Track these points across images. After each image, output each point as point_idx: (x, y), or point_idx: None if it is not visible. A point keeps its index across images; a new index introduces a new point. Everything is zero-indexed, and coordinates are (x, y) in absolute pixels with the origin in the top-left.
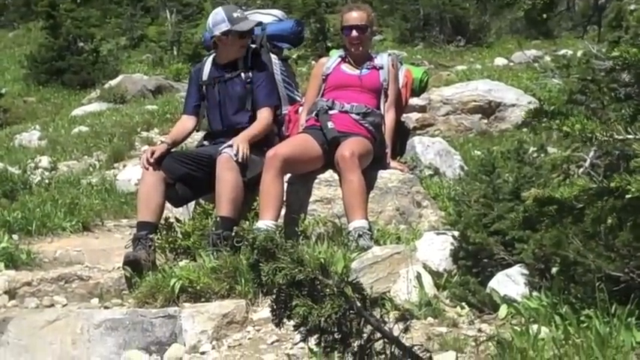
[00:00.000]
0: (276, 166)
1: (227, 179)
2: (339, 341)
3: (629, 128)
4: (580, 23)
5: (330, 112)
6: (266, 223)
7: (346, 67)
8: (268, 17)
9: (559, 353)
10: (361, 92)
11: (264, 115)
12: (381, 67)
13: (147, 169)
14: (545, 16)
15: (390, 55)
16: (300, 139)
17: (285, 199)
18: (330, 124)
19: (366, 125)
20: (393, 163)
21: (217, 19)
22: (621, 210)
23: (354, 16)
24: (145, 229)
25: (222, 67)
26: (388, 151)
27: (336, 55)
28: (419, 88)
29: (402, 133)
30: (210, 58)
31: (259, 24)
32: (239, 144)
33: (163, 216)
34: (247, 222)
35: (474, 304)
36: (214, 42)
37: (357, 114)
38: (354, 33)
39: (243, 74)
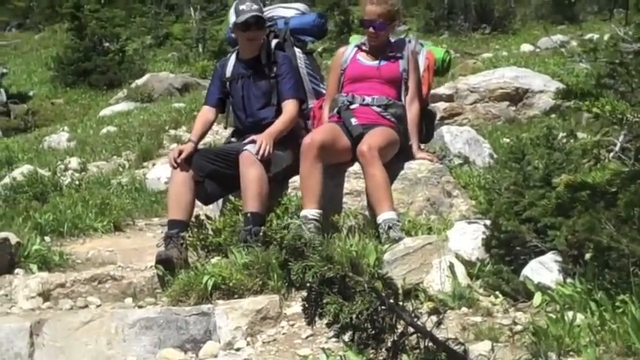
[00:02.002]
0: (313, 153)
1: (251, 176)
2: (372, 337)
3: None
4: (606, 7)
5: (352, 106)
6: (309, 212)
7: (363, 58)
8: (291, 11)
9: (595, 339)
10: (380, 83)
11: (289, 108)
12: (401, 57)
13: (175, 168)
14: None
15: (409, 41)
16: (330, 126)
17: None
18: (353, 121)
19: (389, 117)
20: (420, 154)
21: (230, 12)
22: None
23: (373, 11)
24: (176, 228)
25: (245, 62)
26: (414, 144)
27: (353, 43)
28: (442, 68)
29: (428, 118)
30: (234, 54)
31: (256, 17)
32: (262, 140)
33: (193, 213)
34: (277, 217)
35: (508, 293)
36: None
37: (379, 106)
38: (371, 29)
39: (267, 69)
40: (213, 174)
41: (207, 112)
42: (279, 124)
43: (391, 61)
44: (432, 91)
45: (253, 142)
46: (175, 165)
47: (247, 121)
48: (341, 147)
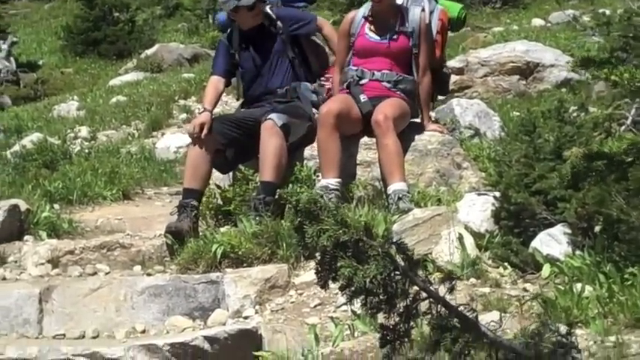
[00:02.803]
0: (331, 123)
1: (271, 145)
2: (384, 302)
3: None
4: None
5: (361, 82)
6: (329, 181)
7: (371, 32)
8: None
9: (603, 311)
10: (390, 58)
11: (326, 28)
12: (411, 32)
13: (195, 144)
14: None
15: (422, 10)
16: (344, 97)
17: None
18: (362, 97)
19: (398, 93)
20: (431, 126)
21: (223, 0)
22: None
23: None
24: (191, 197)
25: (249, 31)
26: (425, 116)
27: (360, 13)
28: (456, 25)
29: (442, 80)
30: (237, 28)
31: None
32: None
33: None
34: (287, 186)
35: (517, 264)
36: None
37: (388, 82)
38: None
39: (272, 28)
40: (234, 142)
41: (217, 82)
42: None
43: (400, 37)
44: None
45: (275, 110)
46: (196, 140)
47: (260, 89)
48: (354, 117)
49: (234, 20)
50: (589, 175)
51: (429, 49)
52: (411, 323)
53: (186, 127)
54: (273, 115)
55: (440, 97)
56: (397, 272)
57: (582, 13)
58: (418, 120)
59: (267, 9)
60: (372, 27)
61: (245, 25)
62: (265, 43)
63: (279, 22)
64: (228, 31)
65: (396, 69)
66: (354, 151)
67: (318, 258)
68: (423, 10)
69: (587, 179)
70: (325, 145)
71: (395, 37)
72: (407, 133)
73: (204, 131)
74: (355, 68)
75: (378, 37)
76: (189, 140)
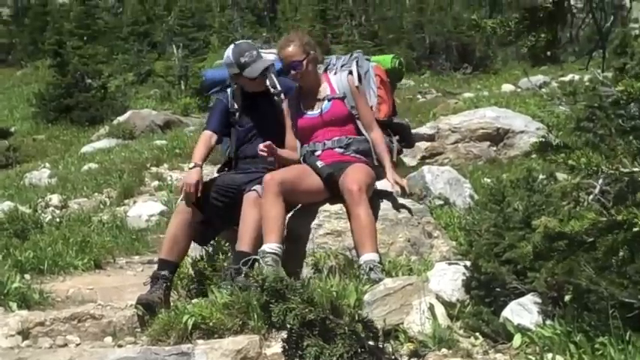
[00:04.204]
0: (274, 190)
1: (253, 216)
2: None
3: (635, 161)
4: (585, 51)
5: (316, 153)
6: (270, 246)
7: (305, 108)
8: (271, 55)
9: None
10: (331, 126)
11: None
12: (343, 97)
13: (191, 203)
14: (549, 53)
15: (350, 73)
16: (297, 167)
17: (296, 231)
18: (319, 164)
19: (352, 155)
20: (393, 176)
21: (228, 62)
22: (632, 242)
23: (285, 54)
24: (166, 269)
25: (252, 94)
26: (386, 166)
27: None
28: (395, 75)
29: (402, 131)
30: (233, 87)
31: (271, 65)
32: None
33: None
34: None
35: (488, 334)
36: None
37: (340, 147)
38: (292, 71)
39: (275, 97)
40: (216, 213)
41: (210, 137)
42: None
43: (333, 104)
44: (414, 131)
45: (260, 181)
46: (191, 196)
47: (249, 151)
48: (308, 187)
49: (212, 87)
50: (550, 255)
51: (368, 107)
52: None
53: (158, 195)
54: (257, 187)
55: (411, 164)
56: (364, 349)
57: (552, 78)
58: (384, 181)
59: (273, 77)
60: (306, 104)
61: (247, 88)
62: (266, 107)
63: (281, 92)
64: (227, 89)
65: (343, 132)
66: (320, 220)
67: (285, 336)
68: (350, 72)
69: (550, 258)
70: (267, 212)
71: (326, 106)
72: (376, 200)
73: (199, 187)
74: (307, 145)
75: (312, 112)
76: (160, 208)
